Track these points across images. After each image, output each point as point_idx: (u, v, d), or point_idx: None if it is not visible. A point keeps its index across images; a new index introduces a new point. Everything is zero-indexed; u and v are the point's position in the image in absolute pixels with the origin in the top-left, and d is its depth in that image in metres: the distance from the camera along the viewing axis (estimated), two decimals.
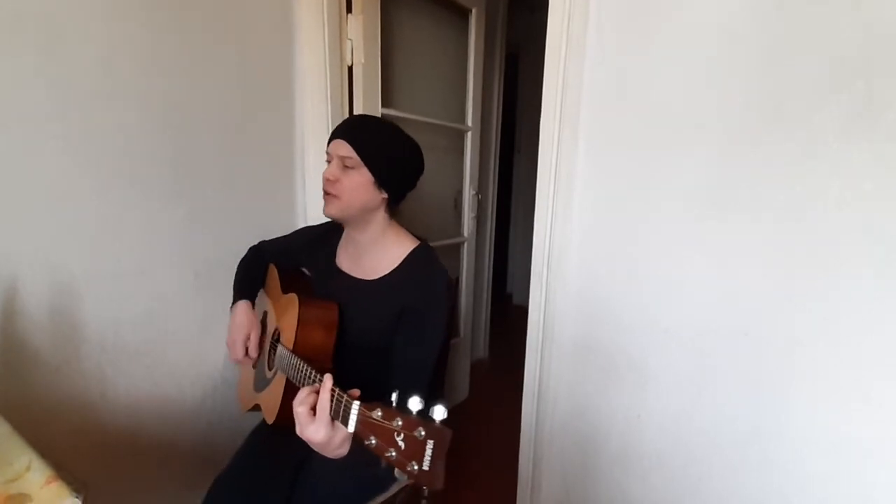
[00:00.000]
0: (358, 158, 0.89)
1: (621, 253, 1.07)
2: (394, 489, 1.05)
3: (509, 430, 1.42)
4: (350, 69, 1.48)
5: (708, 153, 0.91)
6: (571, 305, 1.17)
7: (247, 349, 1.05)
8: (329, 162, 0.93)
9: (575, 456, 1.22)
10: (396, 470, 0.54)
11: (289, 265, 1.17)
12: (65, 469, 0.64)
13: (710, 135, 0.91)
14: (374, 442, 0.57)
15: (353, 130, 0.92)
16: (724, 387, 0.93)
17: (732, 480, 0.93)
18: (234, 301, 1.09)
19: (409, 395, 0.55)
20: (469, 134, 2.05)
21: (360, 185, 0.90)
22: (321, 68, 1.39)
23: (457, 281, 2.19)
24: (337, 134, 0.92)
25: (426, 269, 0.95)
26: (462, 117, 2.03)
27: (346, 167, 0.90)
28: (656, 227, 1.00)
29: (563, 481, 1.25)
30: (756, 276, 0.87)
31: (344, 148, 0.90)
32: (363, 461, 0.86)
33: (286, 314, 0.97)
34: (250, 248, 1.21)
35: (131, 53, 1.03)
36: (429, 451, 0.52)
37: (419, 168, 0.99)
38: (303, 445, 0.70)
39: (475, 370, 2.49)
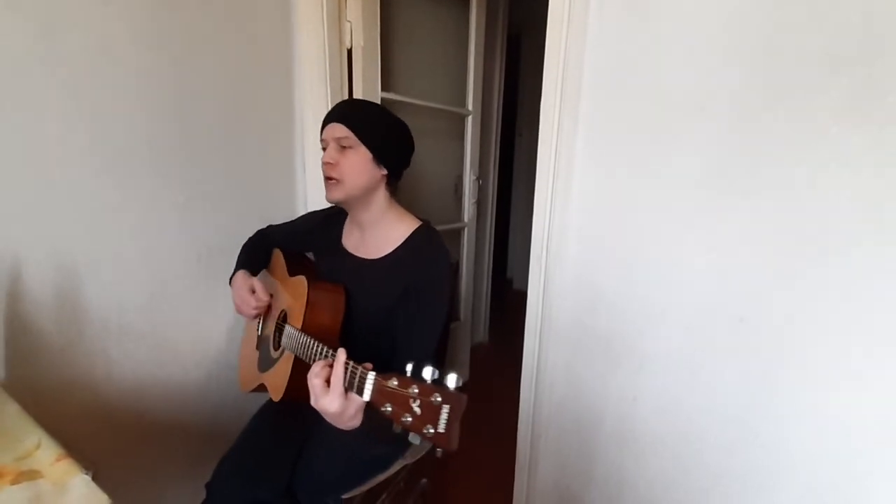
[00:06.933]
0: (354, 137, 0.91)
1: (620, 236, 1.07)
2: (395, 468, 1.07)
3: (508, 412, 1.44)
4: (349, 52, 1.46)
5: (708, 136, 0.91)
6: (570, 289, 1.18)
7: (258, 299, 1.04)
8: (325, 149, 0.95)
9: (572, 436, 1.24)
10: (411, 434, 0.58)
11: (295, 249, 1.18)
12: (73, 448, 0.65)
13: (709, 117, 0.90)
14: (389, 409, 0.60)
15: (345, 112, 0.94)
16: (717, 370, 0.94)
17: (725, 460, 0.95)
18: (232, 275, 1.11)
19: (423, 366, 0.58)
20: (470, 118, 2.04)
21: (360, 163, 0.92)
22: (320, 51, 1.38)
23: (457, 266, 2.20)
24: (330, 118, 0.94)
25: (429, 248, 0.96)
26: (463, 101, 2.02)
27: (343, 148, 0.92)
28: (655, 210, 1.00)
29: (561, 461, 1.28)
30: (753, 260, 0.87)
31: (339, 129, 0.91)
32: (365, 442, 0.88)
33: (294, 296, 0.98)
34: (257, 231, 1.22)
35: (130, 38, 1.03)
36: (444, 415, 0.56)
37: (411, 144, 1.00)
38: (306, 425, 0.71)
39: (475, 354, 2.51)
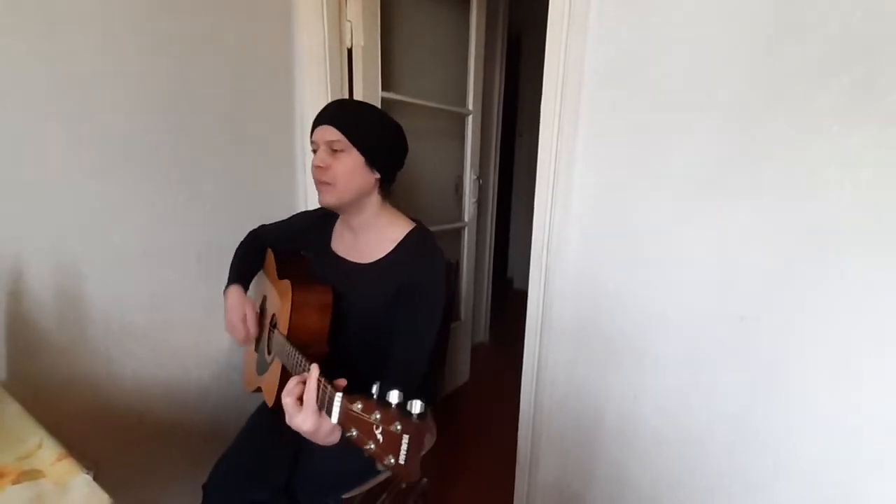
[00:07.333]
0: (346, 140, 0.88)
1: (620, 235, 1.07)
2: None
3: (509, 411, 1.44)
4: (350, 52, 1.46)
5: (708, 136, 0.91)
6: (570, 287, 1.18)
7: (247, 329, 1.05)
8: (315, 151, 0.92)
9: (573, 435, 1.24)
10: (377, 462, 0.55)
11: (287, 249, 1.17)
12: (74, 447, 0.66)
13: (710, 116, 0.90)
14: (355, 434, 0.57)
15: (336, 114, 0.91)
16: (719, 369, 0.94)
17: (727, 459, 0.95)
18: (227, 286, 1.09)
19: (391, 387, 0.56)
20: (470, 118, 2.04)
21: (352, 167, 0.89)
22: (321, 51, 1.38)
23: (457, 265, 2.20)
24: (321, 120, 0.91)
25: (423, 250, 0.95)
26: (463, 101, 2.02)
27: (334, 151, 0.89)
28: (655, 209, 1.00)
29: (562, 460, 1.28)
30: (753, 259, 0.87)
31: (330, 132, 0.88)
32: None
33: (281, 300, 0.98)
34: (249, 233, 1.22)
35: (130, 38, 1.03)
36: (404, 446, 0.53)
37: (405, 146, 0.98)
38: None
39: (476, 353, 2.51)
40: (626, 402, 1.11)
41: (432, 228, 1.02)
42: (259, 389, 1.07)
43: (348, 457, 0.97)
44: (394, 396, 0.55)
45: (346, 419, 0.59)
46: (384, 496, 1.11)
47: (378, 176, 0.93)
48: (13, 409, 0.74)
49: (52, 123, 0.94)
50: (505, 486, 1.45)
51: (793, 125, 0.80)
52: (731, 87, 0.87)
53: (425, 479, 1.27)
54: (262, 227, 1.22)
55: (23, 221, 0.93)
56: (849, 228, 0.76)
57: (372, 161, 0.91)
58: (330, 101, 1.40)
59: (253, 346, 1.17)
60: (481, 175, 2.23)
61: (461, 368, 2.35)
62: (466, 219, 2.16)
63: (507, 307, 3.26)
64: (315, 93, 1.40)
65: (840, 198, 0.77)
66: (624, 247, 1.07)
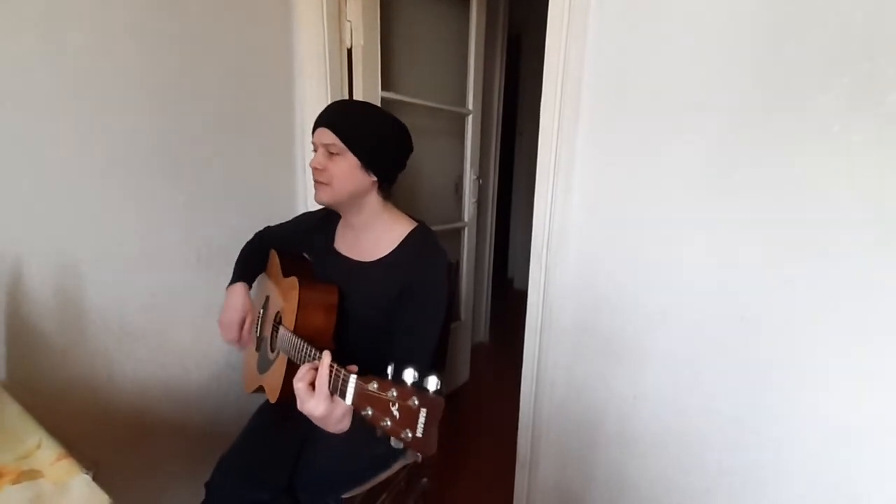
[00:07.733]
0: (342, 144, 0.89)
1: (620, 235, 1.07)
2: (396, 467, 1.07)
3: (509, 412, 1.44)
4: (349, 51, 1.46)
5: (708, 135, 0.91)
6: (570, 287, 1.18)
7: (241, 335, 1.07)
8: (315, 151, 0.93)
9: (573, 436, 1.24)
10: (392, 438, 0.57)
11: (291, 250, 1.18)
12: (74, 447, 0.66)
13: (711, 116, 0.90)
14: (370, 412, 0.59)
15: (334, 117, 0.91)
16: (718, 369, 0.94)
17: (726, 460, 0.95)
18: (232, 282, 1.10)
19: (405, 368, 0.58)
20: (470, 117, 2.04)
21: (347, 170, 0.90)
22: (320, 51, 1.38)
23: (457, 265, 2.20)
24: (319, 122, 0.92)
25: (425, 249, 0.95)
26: (463, 100, 2.02)
27: (331, 154, 0.90)
28: (655, 209, 1.00)
29: (562, 461, 1.28)
30: (753, 259, 0.87)
31: (327, 135, 0.89)
32: (365, 440, 0.88)
33: (287, 297, 0.98)
34: (256, 234, 1.22)
35: (131, 38, 1.03)
36: (422, 419, 0.55)
37: (406, 148, 0.97)
38: (305, 425, 0.71)
39: (476, 354, 2.51)
40: (625, 402, 1.11)
41: (432, 228, 1.02)
42: (259, 389, 1.07)
43: (350, 456, 0.98)
44: (409, 375, 0.57)
45: (361, 399, 0.61)
46: (384, 496, 1.11)
47: (374, 178, 0.93)
48: (13, 409, 0.74)
49: (52, 123, 0.94)
50: (505, 487, 1.45)
51: (793, 125, 0.80)
52: (732, 86, 0.87)
53: (425, 479, 1.26)
54: (268, 228, 1.23)
55: (23, 222, 0.93)
56: (849, 228, 0.76)
57: (368, 164, 0.91)
58: (330, 100, 1.41)
59: (253, 347, 1.17)
60: (481, 175, 2.23)
61: (461, 368, 2.34)
62: (466, 219, 2.16)
63: (507, 307, 3.26)
64: (315, 92, 1.40)
65: (840, 197, 0.77)
66: (624, 246, 1.07)
